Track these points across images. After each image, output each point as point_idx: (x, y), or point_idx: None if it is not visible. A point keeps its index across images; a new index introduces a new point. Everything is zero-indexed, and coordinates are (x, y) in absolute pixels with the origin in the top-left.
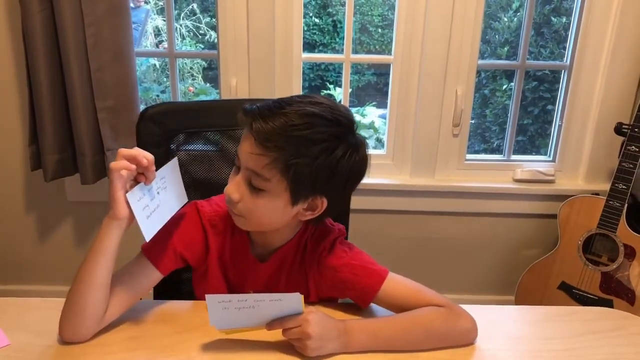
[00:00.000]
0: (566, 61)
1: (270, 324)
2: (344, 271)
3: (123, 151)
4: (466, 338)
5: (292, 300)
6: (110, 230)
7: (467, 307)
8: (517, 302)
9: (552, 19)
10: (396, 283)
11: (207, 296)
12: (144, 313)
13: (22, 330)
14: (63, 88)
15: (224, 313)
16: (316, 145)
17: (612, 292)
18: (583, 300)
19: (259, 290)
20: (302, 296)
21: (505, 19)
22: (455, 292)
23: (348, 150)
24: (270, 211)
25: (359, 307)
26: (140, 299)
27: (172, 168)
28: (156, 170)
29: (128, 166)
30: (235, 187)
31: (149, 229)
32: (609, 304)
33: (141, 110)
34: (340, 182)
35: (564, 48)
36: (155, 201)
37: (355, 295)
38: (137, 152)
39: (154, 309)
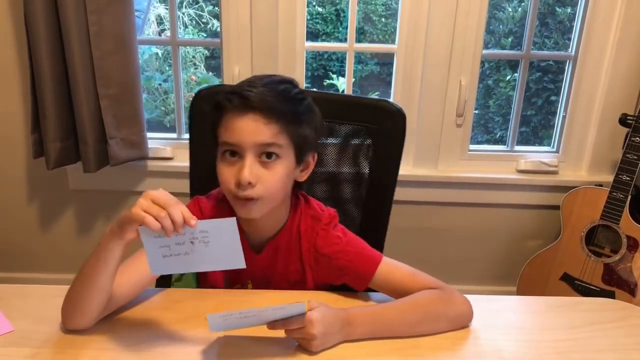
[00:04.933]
0: (571, 52)
1: (272, 324)
2: (339, 258)
3: (152, 195)
4: (462, 319)
5: (296, 307)
6: (114, 247)
7: (469, 297)
8: (519, 293)
9: (557, 9)
10: (391, 267)
11: (208, 315)
12: (147, 301)
13: (25, 317)
14: (65, 76)
15: (224, 323)
16: (302, 103)
17: (614, 284)
18: (585, 291)
19: (257, 279)
20: (306, 302)
21: (510, 9)
22: (457, 283)
23: (313, 103)
24: (284, 178)
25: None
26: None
27: (223, 226)
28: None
29: (154, 224)
30: (249, 171)
31: (160, 267)
32: (610, 295)
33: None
34: (319, 132)
35: (569, 39)
36: (183, 247)
37: (351, 281)
38: (171, 200)
39: (157, 297)
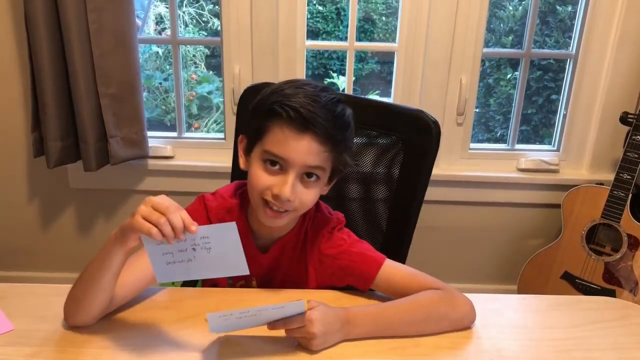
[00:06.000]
0: (572, 50)
1: (272, 324)
2: (342, 259)
3: (153, 201)
4: (465, 320)
5: (296, 306)
6: (116, 253)
7: (470, 296)
8: (520, 291)
9: (558, 7)
10: (393, 268)
11: (208, 316)
12: (148, 299)
13: (25, 316)
14: (66, 74)
15: (224, 323)
16: (350, 126)
17: (614, 282)
18: (586, 290)
19: (261, 278)
20: (305, 301)
21: (510, 8)
22: (458, 282)
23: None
24: (317, 195)
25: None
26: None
27: (224, 231)
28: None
29: (155, 233)
30: (291, 190)
31: (165, 275)
32: (611, 294)
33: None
34: (352, 155)
35: (569, 37)
36: (185, 254)
37: (354, 281)
38: (171, 206)
39: (158, 296)
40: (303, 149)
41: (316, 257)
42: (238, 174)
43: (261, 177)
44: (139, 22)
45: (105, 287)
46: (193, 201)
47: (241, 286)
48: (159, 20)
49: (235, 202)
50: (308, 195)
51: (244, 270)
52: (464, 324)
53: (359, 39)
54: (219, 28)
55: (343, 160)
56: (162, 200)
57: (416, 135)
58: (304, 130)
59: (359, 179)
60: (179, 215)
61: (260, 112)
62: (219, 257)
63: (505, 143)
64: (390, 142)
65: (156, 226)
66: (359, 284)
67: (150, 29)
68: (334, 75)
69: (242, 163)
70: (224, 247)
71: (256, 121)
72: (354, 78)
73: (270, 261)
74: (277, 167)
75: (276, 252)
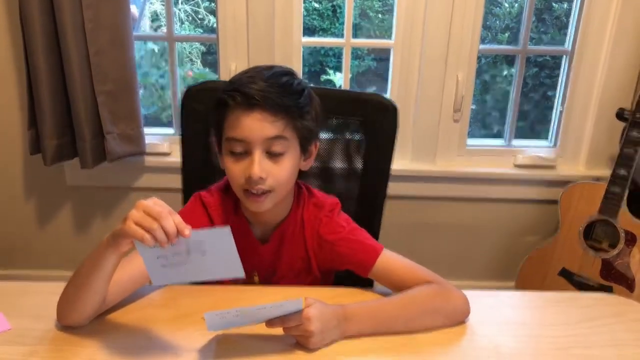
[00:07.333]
0: (567, 46)
1: (270, 322)
2: (341, 245)
3: (144, 205)
4: (459, 313)
5: (294, 304)
6: (109, 256)
7: (467, 292)
8: (518, 288)
9: (553, 4)
10: (390, 259)
11: (205, 315)
12: (145, 298)
13: (22, 315)
14: (62, 72)
15: (222, 321)
16: (303, 94)
17: (612, 279)
18: (583, 286)
19: (263, 269)
20: (303, 298)
21: (506, 4)
22: (455, 278)
23: (312, 91)
24: (292, 170)
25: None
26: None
27: (218, 236)
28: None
29: (147, 239)
30: (259, 167)
31: (160, 278)
32: (608, 290)
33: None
34: (319, 121)
35: (565, 34)
36: (180, 257)
37: (353, 268)
38: (163, 211)
39: (155, 294)
40: (256, 123)
41: (316, 242)
42: (189, 169)
43: (233, 168)
44: (135, 11)
45: (98, 289)
46: (189, 200)
47: (244, 281)
48: (155, 17)
49: (230, 197)
50: (280, 171)
51: (240, 274)
52: (458, 317)
53: (355, 36)
54: (215, 25)
55: (305, 127)
56: (154, 204)
57: (376, 119)
58: (252, 106)
59: (324, 169)
60: (172, 220)
61: (215, 107)
62: (214, 261)
63: (502, 139)
64: (351, 128)
65: (149, 232)
66: (358, 270)
67: (146, 26)
68: (331, 72)
69: (220, 163)
70: (218, 251)
71: (214, 117)
72: (350, 75)
73: (271, 252)
74: (241, 152)
75: (276, 241)
